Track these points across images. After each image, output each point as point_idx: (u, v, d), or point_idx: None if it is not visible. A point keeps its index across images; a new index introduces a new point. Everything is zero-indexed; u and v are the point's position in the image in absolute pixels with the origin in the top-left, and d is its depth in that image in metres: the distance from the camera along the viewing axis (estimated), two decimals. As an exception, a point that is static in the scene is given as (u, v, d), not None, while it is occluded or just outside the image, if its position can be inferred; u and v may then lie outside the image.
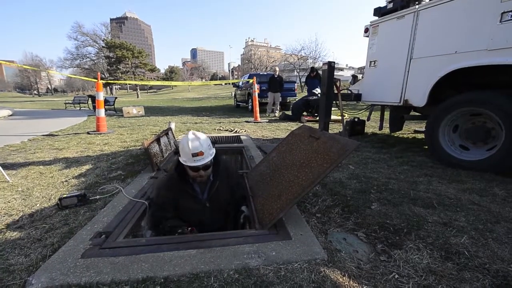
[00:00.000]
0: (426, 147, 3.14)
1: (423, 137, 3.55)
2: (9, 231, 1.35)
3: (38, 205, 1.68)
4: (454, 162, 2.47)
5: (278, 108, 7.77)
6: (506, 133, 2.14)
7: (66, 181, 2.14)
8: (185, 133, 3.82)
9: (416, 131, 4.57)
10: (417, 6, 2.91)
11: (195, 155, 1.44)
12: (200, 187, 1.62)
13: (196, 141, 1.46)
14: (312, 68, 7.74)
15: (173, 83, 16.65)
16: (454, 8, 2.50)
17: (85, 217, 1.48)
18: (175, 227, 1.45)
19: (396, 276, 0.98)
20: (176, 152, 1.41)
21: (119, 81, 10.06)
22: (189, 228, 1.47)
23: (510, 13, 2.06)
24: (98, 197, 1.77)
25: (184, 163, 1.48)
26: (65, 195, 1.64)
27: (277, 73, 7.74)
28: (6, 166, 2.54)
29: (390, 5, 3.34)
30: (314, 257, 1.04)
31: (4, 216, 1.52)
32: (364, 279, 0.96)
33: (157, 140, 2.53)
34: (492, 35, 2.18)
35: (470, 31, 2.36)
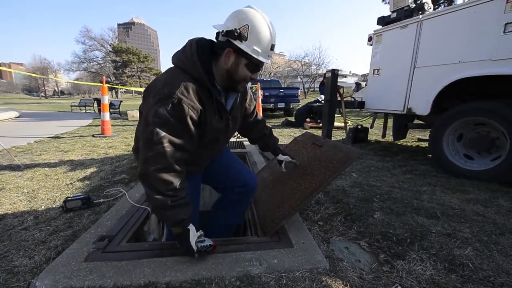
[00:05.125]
0: (430, 155, 3.12)
1: (427, 145, 3.54)
2: (14, 233, 1.37)
3: (43, 207, 1.70)
4: (458, 171, 2.45)
5: None
6: (511, 143, 2.12)
7: (71, 183, 2.17)
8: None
9: (420, 139, 4.55)
10: (420, 16, 2.94)
11: (273, 47, 0.98)
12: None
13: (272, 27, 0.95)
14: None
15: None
16: (458, 19, 2.52)
17: (89, 220, 1.50)
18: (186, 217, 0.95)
19: (399, 287, 0.97)
20: (226, 34, 0.90)
21: (123, 87, 10.23)
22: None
23: (514, 24, 2.08)
24: (102, 200, 1.79)
25: (254, 55, 0.93)
26: (69, 198, 1.66)
27: None
28: (13, 167, 2.58)
29: (394, 15, 3.38)
30: (316, 266, 1.04)
31: (9, 217, 1.54)
32: (366, 290, 0.95)
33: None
34: (496, 46, 2.19)
35: (473, 42, 2.38)
